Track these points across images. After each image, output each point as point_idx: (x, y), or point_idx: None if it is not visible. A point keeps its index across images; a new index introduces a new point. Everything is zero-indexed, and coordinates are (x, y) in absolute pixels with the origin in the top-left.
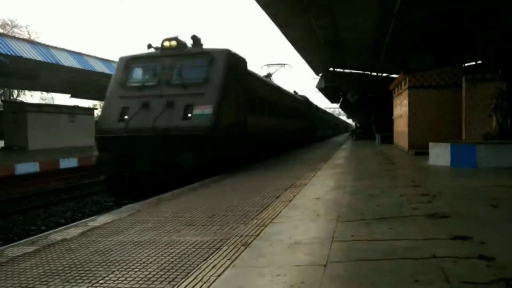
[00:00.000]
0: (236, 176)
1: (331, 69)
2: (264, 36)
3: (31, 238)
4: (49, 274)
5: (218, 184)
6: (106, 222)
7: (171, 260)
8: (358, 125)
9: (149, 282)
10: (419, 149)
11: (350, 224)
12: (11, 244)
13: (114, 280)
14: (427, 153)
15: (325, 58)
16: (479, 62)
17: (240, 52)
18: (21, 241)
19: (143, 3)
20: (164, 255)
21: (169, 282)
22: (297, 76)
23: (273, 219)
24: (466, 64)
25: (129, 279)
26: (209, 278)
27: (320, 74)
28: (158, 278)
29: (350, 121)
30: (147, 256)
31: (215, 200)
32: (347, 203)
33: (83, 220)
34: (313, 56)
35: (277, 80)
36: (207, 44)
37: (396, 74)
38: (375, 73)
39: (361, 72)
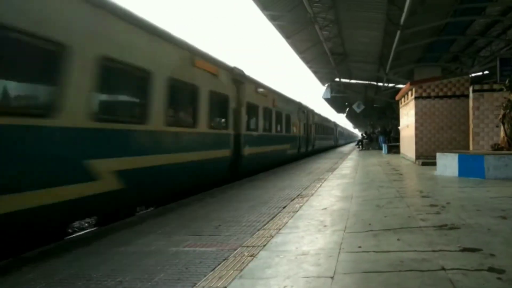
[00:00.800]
0: (242, 186)
1: (337, 79)
2: (272, 46)
3: None
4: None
5: (224, 194)
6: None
7: (178, 270)
8: (364, 135)
9: None
10: (426, 159)
11: (357, 235)
12: None
13: None
14: (434, 163)
15: (331, 68)
16: (486, 72)
17: (249, 63)
18: None
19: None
20: (171, 265)
21: None
22: (303, 86)
23: (279, 229)
24: (473, 75)
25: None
26: None
27: (326, 85)
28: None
29: (356, 131)
30: (153, 265)
31: (221, 210)
32: (354, 214)
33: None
34: (319, 67)
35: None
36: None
37: (403, 84)
38: (381, 84)
39: (367, 82)
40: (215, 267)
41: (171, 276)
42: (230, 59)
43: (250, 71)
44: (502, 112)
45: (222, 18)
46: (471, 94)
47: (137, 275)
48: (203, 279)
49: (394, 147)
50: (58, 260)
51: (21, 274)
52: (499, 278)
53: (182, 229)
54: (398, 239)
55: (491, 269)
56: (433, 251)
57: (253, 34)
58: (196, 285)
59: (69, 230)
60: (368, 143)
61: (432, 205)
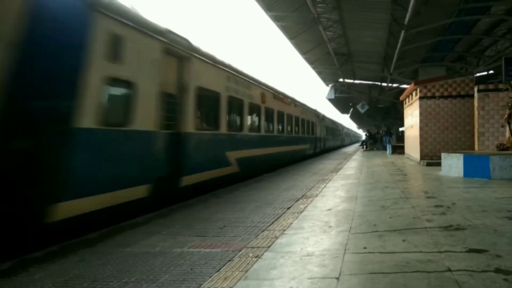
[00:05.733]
0: (247, 186)
1: (341, 79)
2: (275, 47)
3: None
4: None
5: (228, 195)
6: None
7: (183, 271)
8: (368, 135)
9: None
10: (431, 159)
11: (362, 235)
12: None
13: None
14: (439, 164)
15: (335, 69)
16: (491, 72)
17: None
18: None
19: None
20: (176, 266)
21: None
22: (307, 86)
23: (284, 230)
24: (478, 74)
25: None
26: None
27: (330, 85)
28: None
29: (360, 131)
30: (159, 266)
31: (226, 211)
32: (359, 215)
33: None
34: (323, 67)
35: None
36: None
37: (407, 84)
38: (385, 84)
39: (371, 83)
40: (220, 268)
41: (176, 277)
42: (233, 60)
43: (256, 73)
44: (507, 112)
45: (225, 19)
46: (476, 94)
47: (142, 276)
48: (208, 280)
49: (398, 148)
50: (64, 261)
51: (28, 275)
52: (505, 279)
53: (187, 230)
54: (403, 240)
55: (497, 270)
56: (439, 252)
57: (257, 35)
58: (202, 286)
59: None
60: (372, 144)
61: (437, 206)
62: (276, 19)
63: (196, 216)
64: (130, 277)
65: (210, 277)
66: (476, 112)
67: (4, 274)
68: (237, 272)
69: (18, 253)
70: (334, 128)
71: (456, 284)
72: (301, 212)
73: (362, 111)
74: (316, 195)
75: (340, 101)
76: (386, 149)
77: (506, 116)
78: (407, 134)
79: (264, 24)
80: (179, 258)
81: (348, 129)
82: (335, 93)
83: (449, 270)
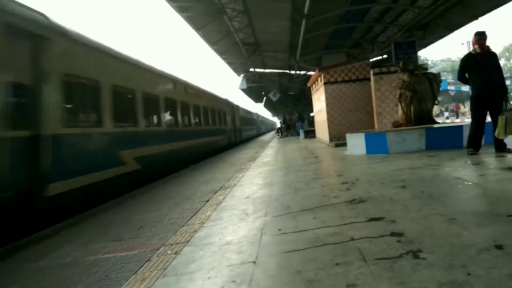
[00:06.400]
0: (165, 184)
1: (252, 69)
2: (184, 39)
3: None
4: None
5: (145, 195)
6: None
7: (97, 279)
8: (282, 122)
9: None
10: (338, 141)
11: (277, 218)
12: None
13: None
14: (346, 144)
15: (244, 59)
16: (385, 56)
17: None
18: None
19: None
20: (90, 274)
21: None
22: (221, 77)
23: (203, 223)
24: (373, 59)
25: None
26: None
27: (242, 75)
28: None
29: (275, 119)
30: (70, 277)
31: (143, 211)
32: (275, 199)
33: None
34: (233, 58)
35: (199, 82)
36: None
37: (313, 71)
38: (293, 72)
39: (281, 71)
40: (137, 270)
41: (90, 286)
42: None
43: (168, 68)
44: (398, 92)
45: (127, 13)
46: (372, 77)
47: None
48: (125, 284)
49: (310, 132)
50: None
51: None
52: (399, 241)
53: (101, 236)
54: (314, 218)
55: (392, 234)
56: (344, 224)
57: (162, 27)
58: None
59: None
60: (286, 130)
61: (343, 183)
62: (180, 10)
63: (111, 220)
64: None
65: (127, 281)
66: (373, 94)
67: None
68: (155, 271)
69: None
70: (249, 117)
71: (358, 251)
72: (220, 203)
73: (274, 99)
74: (235, 185)
75: (253, 91)
76: (299, 135)
77: (397, 95)
78: (316, 119)
79: (169, 17)
80: (92, 266)
81: (263, 117)
82: (247, 83)
83: (352, 239)
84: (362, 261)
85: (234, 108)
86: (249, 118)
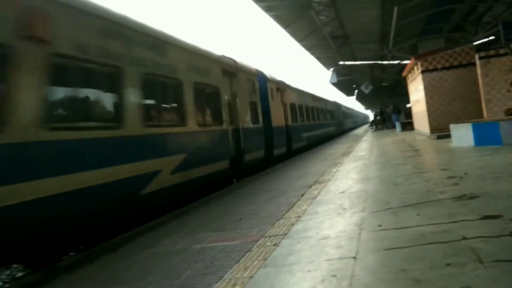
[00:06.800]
0: (260, 179)
1: (341, 62)
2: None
3: None
4: None
5: (242, 190)
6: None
7: (204, 265)
8: (376, 115)
9: None
10: (441, 132)
11: (376, 214)
12: None
13: None
14: (449, 136)
15: (333, 53)
16: (492, 38)
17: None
18: None
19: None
20: (197, 261)
21: (204, 287)
22: (310, 72)
23: (300, 217)
24: (478, 42)
25: (165, 286)
26: (242, 280)
27: (331, 69)
28: (193, 284)
29: (369, 112)
30: (180, 263)
31: (241, 205)
32: (372, 194)
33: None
34: (321, 52)
35: (292, 78)
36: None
37: (408, 60)
38: (386, 62)
39: (372, 62)
40: (239, 259)
41: (198, 272)
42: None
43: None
44: (511, 76)
45: (219, 15)
46: (478, 62)
47: (165, 274)
48: (229, 272)
49: (408, 124)
50: (90, 268)
51: (56, 284)
52: None
53: (205, 227)
54: (417, 214)
55: None
56: (453, 222)
57: (252, 27)
58: (223, 278)
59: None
60: (381, 123)
61: (450, 177)
62: (268, 9)
63: (212, 212)
64: (154, 276)
65: (230, 269)
66: (480, 80)
67: (33, 285)
68: (257, 261)
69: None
70: (347, 112)
71: (472, 251)
72: (315, 197)
73: (366, 91)
74: (329, 180)
75: (344, 84)
76: (395, 127)
77: (510, 80)
78: (414, 110)
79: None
80: (199, 253)
81: (357, 111)
82: (337, 76)
83: (464, 238)
84: (478, 262)
85: (338, 106)
86: (347, 113)
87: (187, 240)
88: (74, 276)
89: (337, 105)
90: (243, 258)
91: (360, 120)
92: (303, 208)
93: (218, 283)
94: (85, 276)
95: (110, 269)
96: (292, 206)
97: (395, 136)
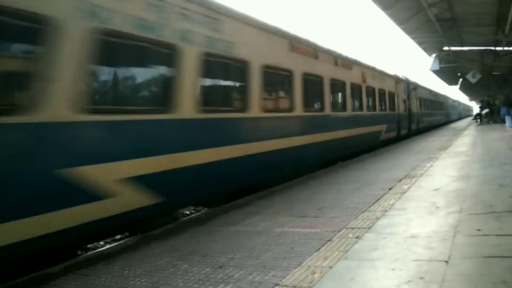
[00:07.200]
0: (345, 167)
1: (446, 48)
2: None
3: None
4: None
5: (326, 177)
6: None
7: (284, 250)
8: (482, 107)
9: (264, 270)
10: None
11: (475, 217)
12: None
13: (233, 266)
14: None
15: (438, 37)
16: None
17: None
18: None
19: None
20: (277, 244)
21: (283, 271)
22: (406, 59)
23: (386, 211)
24: None
25: (246, 265)
26: (321, 269)
27: (434, 55)
28: (272, 266)
29: (473, 104)
30: (261, 244)
31: (325, 192)
32: (472, 194)
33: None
34: (424, 36)
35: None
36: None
37: None
38: (500, 48)
39: (483, 48)
40: (319, 248)
41: (278, 255)
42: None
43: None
44: None
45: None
46: None
47: (246, 253)
48: (309, 259)
49: None
50: (178, 238)
51: (150, 249)
52: None
53: (286, 211)
54: None
55: None
56: None
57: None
58: (302, 264)
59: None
60: (488, 116)
61: None
62: None
63: (294, 197)
64: (235, 253)
65: (310, 256)
66: None
67: (130, 248)
68: (337, 252)
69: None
70: (433, 100)
71: None
72: (404, 192)
73: (473, 81)
74: (421, 175)
75: (446, 72)
76: (504, 122)
77: None
78: None
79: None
80: (279, 237)
81: (455, 100)
82: (439, 63)
83: None
84: None
85: (446, 99)
86: (453, 105)
87: (269, 223)
88: (165, 245)
89: (445, 98)
90: (323, 247)
91: (464, 113)
92: (390, 202)
93: (297, 269)
94: (174, 246)
95: (196, 242)
96: (379, 199)
97: (505, 132)
